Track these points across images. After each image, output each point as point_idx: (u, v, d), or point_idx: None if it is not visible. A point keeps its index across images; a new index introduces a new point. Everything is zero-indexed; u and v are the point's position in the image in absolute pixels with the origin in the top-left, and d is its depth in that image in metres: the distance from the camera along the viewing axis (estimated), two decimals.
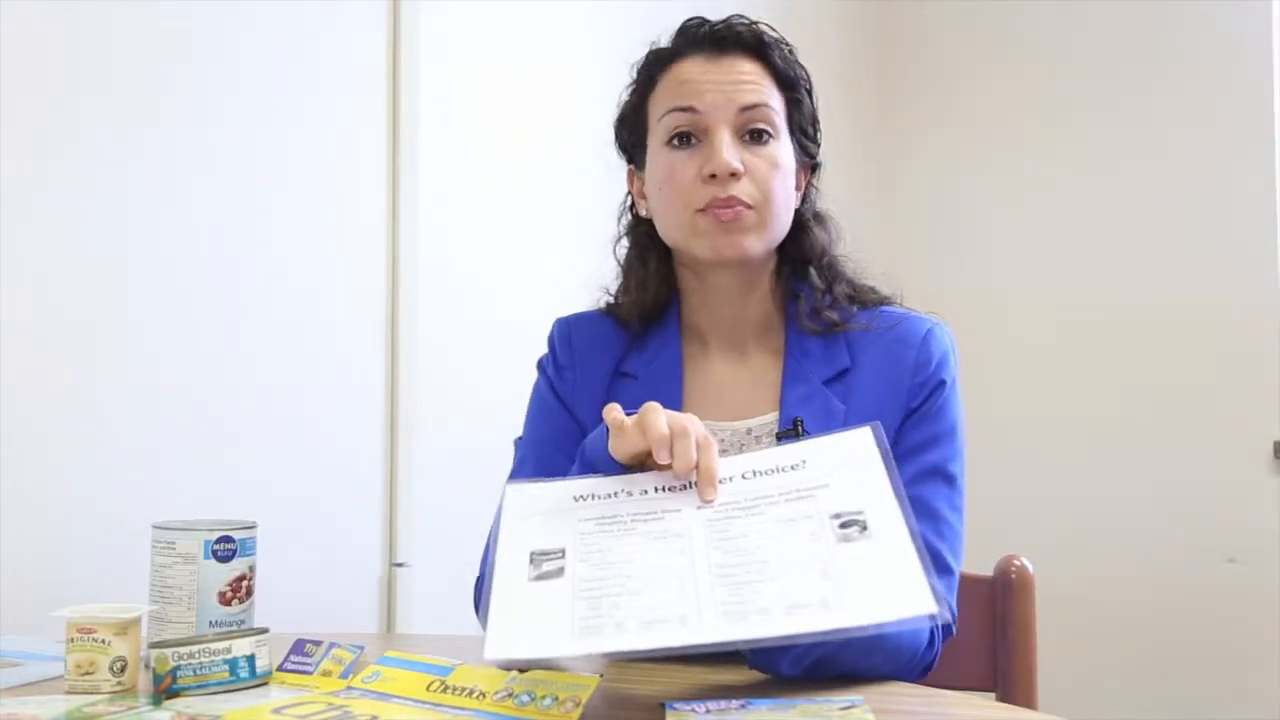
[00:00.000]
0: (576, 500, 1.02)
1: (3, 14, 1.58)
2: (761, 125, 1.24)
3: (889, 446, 1.00)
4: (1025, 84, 3.15)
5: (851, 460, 1.00)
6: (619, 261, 1.37)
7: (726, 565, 0.92)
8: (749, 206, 1.22)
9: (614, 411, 1.04)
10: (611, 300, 1.36)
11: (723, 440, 1.24)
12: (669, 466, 1.00)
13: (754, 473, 1.02)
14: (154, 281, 1.74)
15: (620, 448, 1.03)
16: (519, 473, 1.30)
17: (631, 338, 1.32)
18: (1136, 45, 2.99)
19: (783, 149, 1.26)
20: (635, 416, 1.03)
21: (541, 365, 1.36)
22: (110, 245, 1.70)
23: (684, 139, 1.24)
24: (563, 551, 0.97)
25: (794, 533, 0.95)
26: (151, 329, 1.74)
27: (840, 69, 3.23)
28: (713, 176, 1.21)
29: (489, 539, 1.02)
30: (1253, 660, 2.71)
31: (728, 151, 1.21)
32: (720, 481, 1.01)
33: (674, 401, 1.25)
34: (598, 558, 0.95)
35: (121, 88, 1.71)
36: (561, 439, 1.28)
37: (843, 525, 0.94)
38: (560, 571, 0.95)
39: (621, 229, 1.37)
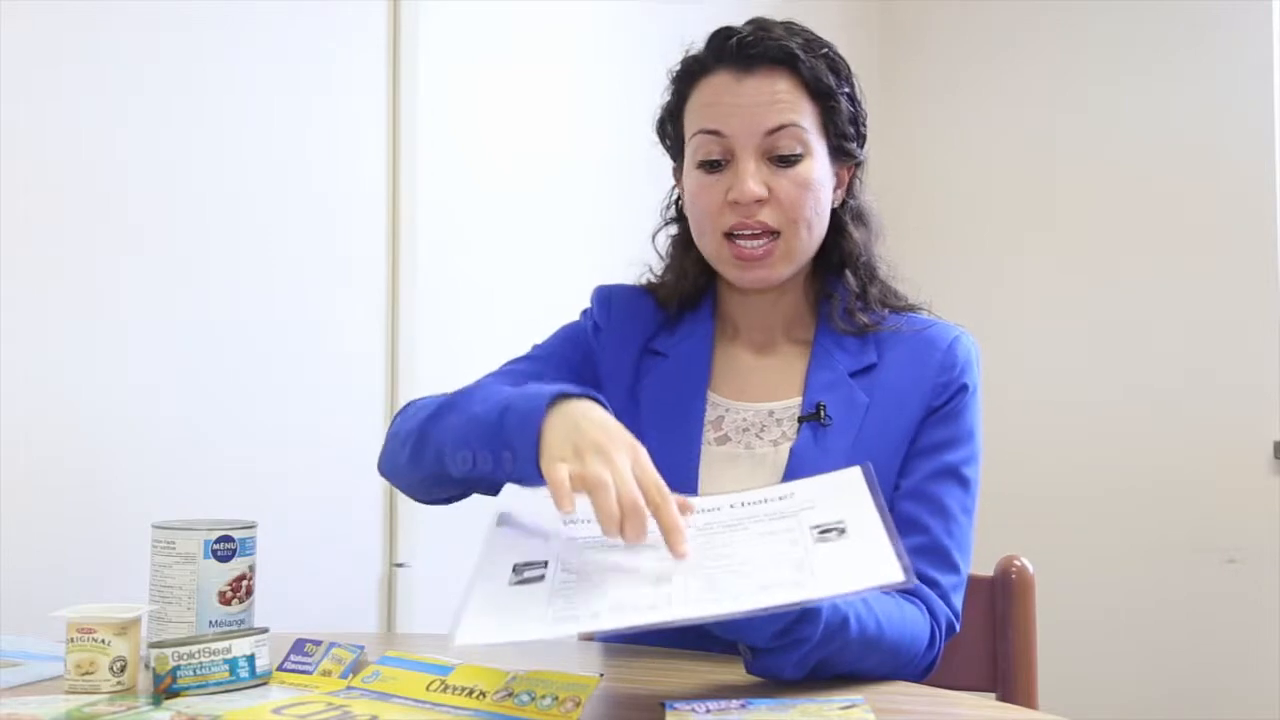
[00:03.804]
0: (566, 524, 1.02)
1: (3, 13, 1.58)
2: (788, 147, 1.21)
3: (879, 484, 1.00)
4: (1026, 83, 3.15)
5: (839, 491, 1.01)
6: (658, 250, 1.38)
7: (704, 565, 0.94)
8: (774, 233, 1.22)
9: (562, 491, 0.95)
10: (653, 279, 1.37)
11: (744, 420, 1.26)
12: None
13: (742, 503, 1.04)
14: (154, 281, 1.75)
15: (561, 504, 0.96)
16: (504, 375, 1.29)
17: (666, 318, 1.33)
18: (1136, 45, 2.99)
19: (815, 165, 1.23)
20: (586, 484, 0.95)
21: (585, 313, 1.38)
22: (110, 245, 1.70)
23: (713, 164, 1.23)
24: (545, 563, 0.99)
25: (774, 541, 0.97)
26: (151, 329, 1.74)
27: None
28: (736, 203, 1.21)
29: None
30: (1253, 660, 2.70)
31: (751, 180, 1.20)
32: (709, 510, 1.03)
33: (700, 382, 1.28)
34: (579, 567, 0.96)
35: (122, 87, 1.71)
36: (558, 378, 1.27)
37: (822, 532, 0.96)
38: (540, 578, 0.97)
39: (665, 219, 1.38)
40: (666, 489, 0.96)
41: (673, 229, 1.38)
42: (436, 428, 1.13)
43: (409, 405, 1.24)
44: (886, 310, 1.30)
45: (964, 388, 1.26)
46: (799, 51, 1.23)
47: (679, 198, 1.35)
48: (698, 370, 1.29)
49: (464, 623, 0.91)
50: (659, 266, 1.38)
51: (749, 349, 1.31)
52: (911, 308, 1.33)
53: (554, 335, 1.37)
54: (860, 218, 1.32)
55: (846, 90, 1.27)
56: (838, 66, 1.27)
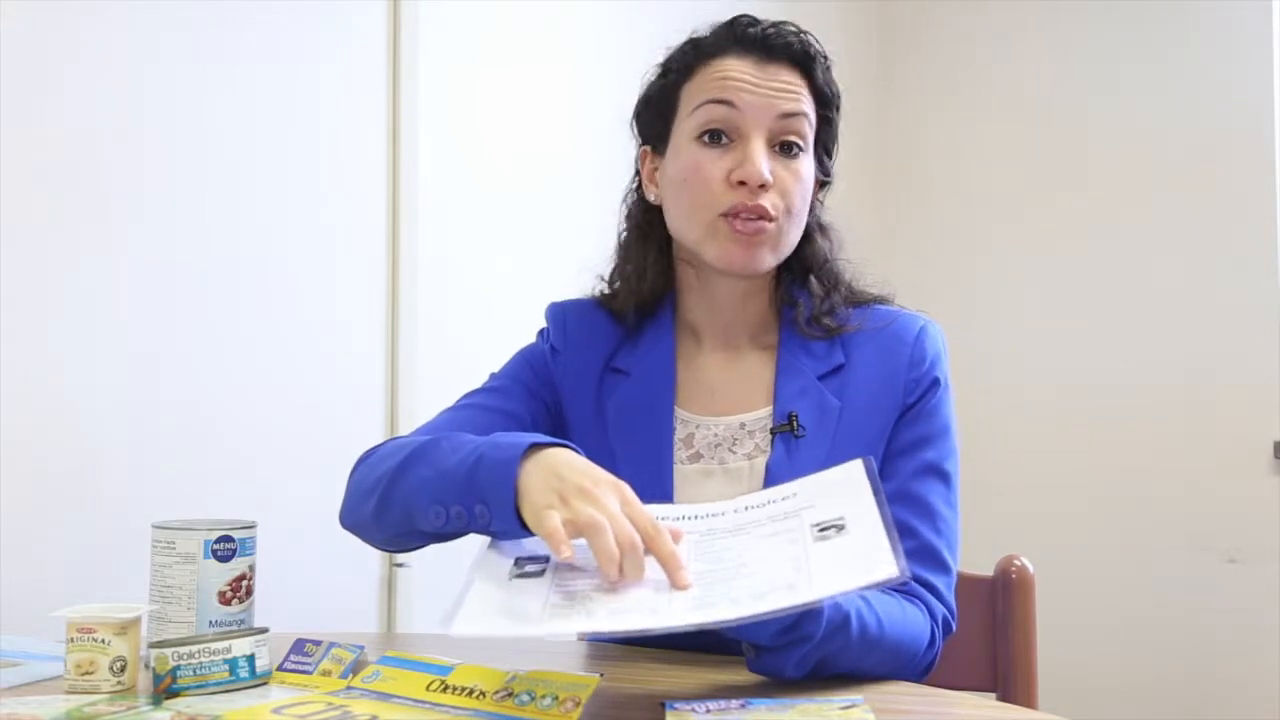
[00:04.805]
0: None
1: (3, 13, 1.58)
2: (795, 136, 1.22)
3: (879, 479, 1.00)
4: (1024, 82, 3.15)
5: (841, 489, 1.01)
6: (618, 246, 1.35)
7: (705, 571, 0.94)
8: (771, 219, 1.20)
9: (558, 538, 0.94)
10: (606, 289, 1.34)
11: (715, 435, 1.24)
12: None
13: (745, 507, 1.04)
14: (154, 281, 1.75)
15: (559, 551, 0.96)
16: (464, 410, 1.27)
17: (625, 331, 1.30)
18: (1135, 44, 2.99)
19: (808, 164, 1.24)
20: (579, 529, 0.94)
21: (541, 334, 1.35)
22: (110, 245, 1.70)
23: (716, 136, 1.21)
24: (547, 558, 0.99)
25: (774, 542, 0.97)
26: (151, 329, 1.74)
27: (840, 69, 3.22)
28: (742, 184, 1.19)
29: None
30: (1253, 660, 2.70)
31: (762, 161, 1.19)
32: (713, 515, 1.03)
33: (666, 400, 1.25)
34: (581, 565, 0.96)
35: (122, 87, 1.71)
36: (506, 417, 1.25)
37: (821, 530, 0.96)
38: (541, 572, 0.97)
39: (624, 211, 1.35)
40: (659, 523, 0.95)
41: (624, 222, 1.34)
42: (402, 483, 1.10)
43: (368, 455, 1.21)
44: (850, 309, 1.28)
45: (935, 382, 1.24)
46: (815, 54, 1.24)
47: (640, 186, 1.32)
48: (663, 387, 1.26)
49: (462, 611, 0.91)
50: (611, 260, 1.34)
51: (714, 357, 1.29)
52: (879, 299, 1.31)
53: (511, 361, 1.34)
54: (823, 229, 1.32)
55: (838, 107, 1.29)
56: (837, 83, 1.28)
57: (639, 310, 1.30)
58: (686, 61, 1.26)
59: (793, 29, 1.24)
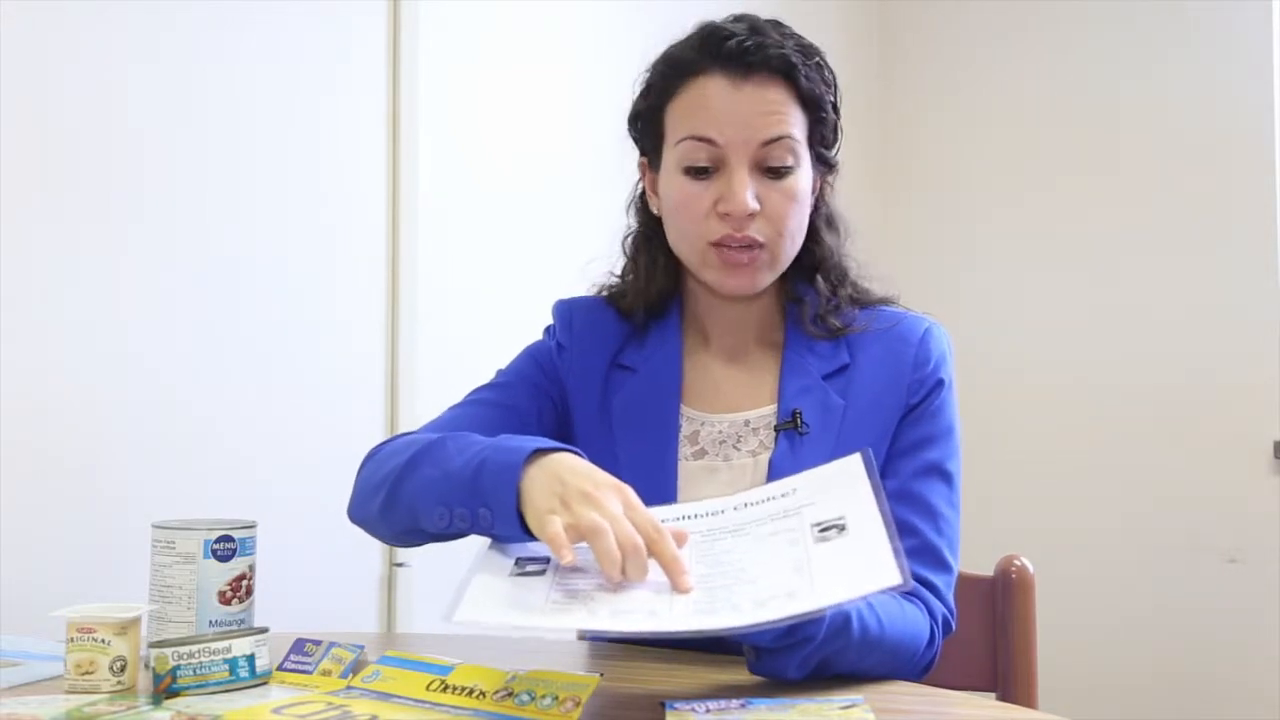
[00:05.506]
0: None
1: (3, 13, 1.58)
2: (781, 159, 1.19)
3: (879, 472, 0.99)
4: (1026, 84, 3.15)
5: (840, 483, 1.01)
6: (626, 252, 1.35)
7: (706, 575, 0.94)
8: (761, 245, 1.20)
9: (559, 543, 0.94)
10: (614, 288, 1.34)
11: (720, 432, 1.25)
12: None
13: (745, 504, 1.04)
14: (154, 281, 1.75)
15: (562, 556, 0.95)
16: (471, 407, 1.28)
17: (631, 329, 1.31)
18: (1138, 45, 2.99)
19: (801, 177, 1.21)
20: (581, 533, 0.95)
21: (548, 331, 1.35)
22: (110, 245, 1.70)
23: (700, 171, 1.19)
24: (547, 559, 0.99)
25: (775, 543, 0.97)
26: (151, 329, 1.74)
27: (840, 69, 3.22)
28: (728, 214, 1.18)
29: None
30: (1253, 660, 2.70)
31: (746, 193, 1.17)
32: (713, 514, 1.03)
33: (672, 397, 1.26)
34: (581, 565, 0.96)
35: (123, 87, 1.71)
36: (512, 414, 1.25)
37: (822, 530, 0.96)
38: (541, 572, 0.97)
39: (630, 218, 1.35)
40: (661, 525, 0.95)
41: (632, 223, 1.34)
42: (408, 482, 1.10)
43: (377, 451, 1.21)
44: (856, 309, 1.28)
45: (940, 383, 1.24)
46: (797, 61, 1.19)
47: (643, 191, 1.32)
48: (669, 384, 1.26)
49: (464, 600, 0.92)
50: (619, 268, 1.34)
51: (720, 356, 1.29)
52: (885, 300, 1.31)
53: (518, 358, 1.34)
54: (831, 223, 1.31)
55: (832, 99, 1.25)
56: (827, 75, 1.24)
57: (647, 310, 1.31)
58: (667, 81, 1.23)
59: (772, 40, 1.19)
